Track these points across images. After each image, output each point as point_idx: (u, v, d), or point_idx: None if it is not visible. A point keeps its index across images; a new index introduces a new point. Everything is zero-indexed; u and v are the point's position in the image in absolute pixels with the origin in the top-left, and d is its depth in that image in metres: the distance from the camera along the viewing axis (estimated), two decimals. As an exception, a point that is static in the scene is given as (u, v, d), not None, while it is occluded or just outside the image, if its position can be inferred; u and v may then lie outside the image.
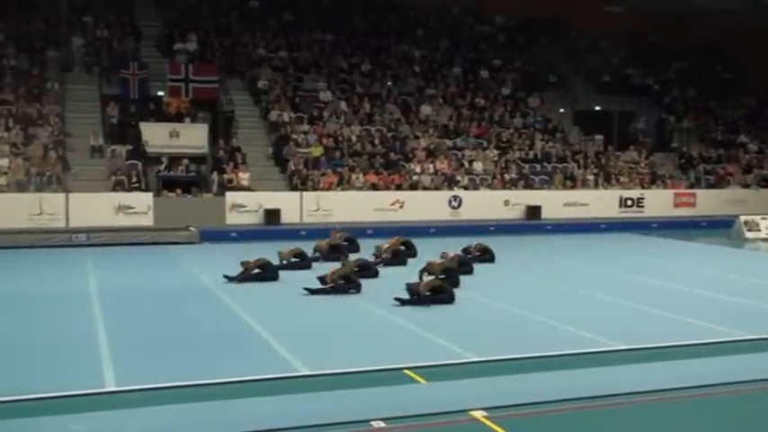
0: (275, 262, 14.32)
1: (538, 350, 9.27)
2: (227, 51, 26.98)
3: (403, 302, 11.69)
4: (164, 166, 22.13)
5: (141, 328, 10.28)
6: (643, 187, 26.40)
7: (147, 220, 20.29)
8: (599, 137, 28.94)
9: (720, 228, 23.18)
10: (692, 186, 27.42)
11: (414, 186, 23.85)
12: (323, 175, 23.24)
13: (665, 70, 32.88)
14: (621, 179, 26.60)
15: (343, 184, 23.22)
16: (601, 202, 25.12)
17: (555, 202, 24.42)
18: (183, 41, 26.25)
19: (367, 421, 6.92)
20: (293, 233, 19.36)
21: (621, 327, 10.57)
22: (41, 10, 25.74)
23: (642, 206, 25.62)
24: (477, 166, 25.54)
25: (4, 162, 20.76)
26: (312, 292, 12.50)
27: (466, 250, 15.66)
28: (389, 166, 24.51)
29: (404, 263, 14.74)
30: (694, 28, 32.71)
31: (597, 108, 30.72)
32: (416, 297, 11.74)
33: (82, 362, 8.66)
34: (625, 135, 29.72)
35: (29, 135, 21.76)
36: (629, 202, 25.57)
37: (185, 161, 22.27)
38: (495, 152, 26.33)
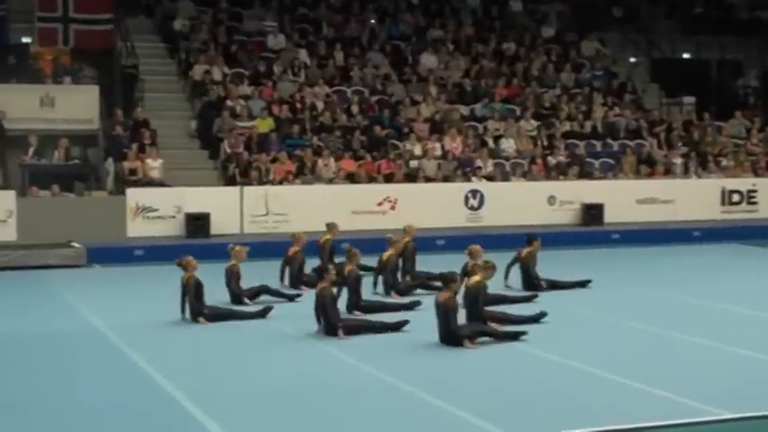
0: None
1: (601, 422, 9.23)
2: (127, -25, 26.84)
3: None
4: (32, 150, 22.02)
5: (-2, 396, 10.19)
6: (756, 174, 26.46)
7: (8, 233, 20.22)
8: (689, 99, 28.97)
9: None
10: (829, 173, 27.50)
11: (412, 177, 23.79)
12: (274, 161, 23.16)
13: (786, -2, 33.03)
14: (724, 163, 26.63)
15: (305, 174, 23.13)
16: (693, 197, 25.15)
17: (624, 199, 24.44)
18: (60, -39, 26.15)
19: None
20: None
21: (730, 386, 10.56)
22: None
23: (755, 202, 25.68)
24: (507, 144, 25.51)
25: None
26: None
27: None
28: (374, 147, 24.43)
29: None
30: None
31: (685, 56, 30.77)
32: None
33: None
34: (728, 96, 29.76)
35: None
36: (736, 197, 25.62)
37: (65, 142, 22.16)
38: (534, 124, 26.31)
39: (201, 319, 13.78)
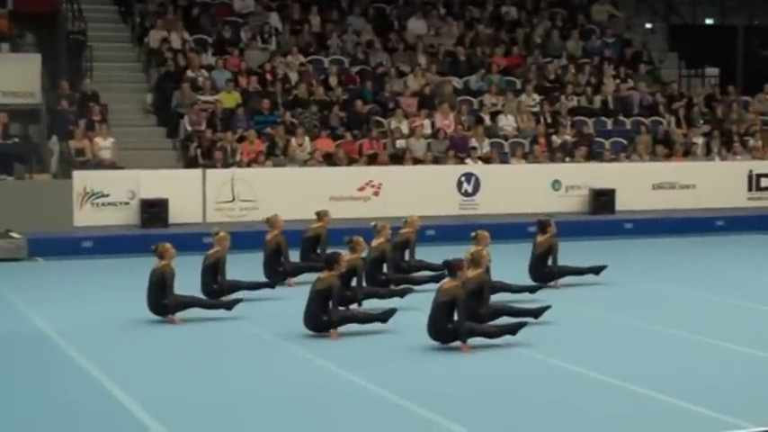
0: None
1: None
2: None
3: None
4: (-36, 127, 22.02)
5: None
6: (788, 156, 26.58)
7: (-62, 222, 20.12)
8: (712, 71, 28.98)
9: None
10: None
11: (398, 158, 23.83)
12: (241, 140, 23.17)
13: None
14: (751, 143, 26.71)
15: (277, 155, 23.15)
16: (716, 181, 25.22)
17: (638, 184, 24.53)
18: None
19: None
20: (190, 241, 19.24)
21: (761, 396, 10.62)
22: None
23: (786, 188, 25.80)
24: (506, 122, 25.55)
25: None
26: None
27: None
28: (355, 125, 24.44)
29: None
30: None
31: (708, 22, 30.82)
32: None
33: None
34: (756, 67, 29.80)
35: None
36: (765, 182, 25.68)
37: (2, 118, 22.10)
38: (536, 99, 26.34)
39: (176, 318, 13.84)
